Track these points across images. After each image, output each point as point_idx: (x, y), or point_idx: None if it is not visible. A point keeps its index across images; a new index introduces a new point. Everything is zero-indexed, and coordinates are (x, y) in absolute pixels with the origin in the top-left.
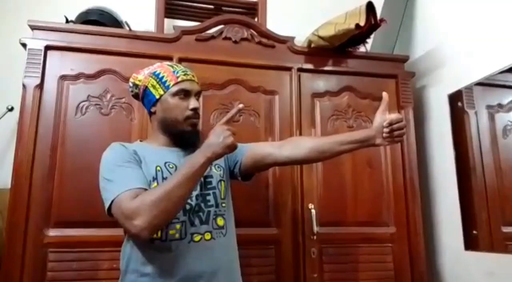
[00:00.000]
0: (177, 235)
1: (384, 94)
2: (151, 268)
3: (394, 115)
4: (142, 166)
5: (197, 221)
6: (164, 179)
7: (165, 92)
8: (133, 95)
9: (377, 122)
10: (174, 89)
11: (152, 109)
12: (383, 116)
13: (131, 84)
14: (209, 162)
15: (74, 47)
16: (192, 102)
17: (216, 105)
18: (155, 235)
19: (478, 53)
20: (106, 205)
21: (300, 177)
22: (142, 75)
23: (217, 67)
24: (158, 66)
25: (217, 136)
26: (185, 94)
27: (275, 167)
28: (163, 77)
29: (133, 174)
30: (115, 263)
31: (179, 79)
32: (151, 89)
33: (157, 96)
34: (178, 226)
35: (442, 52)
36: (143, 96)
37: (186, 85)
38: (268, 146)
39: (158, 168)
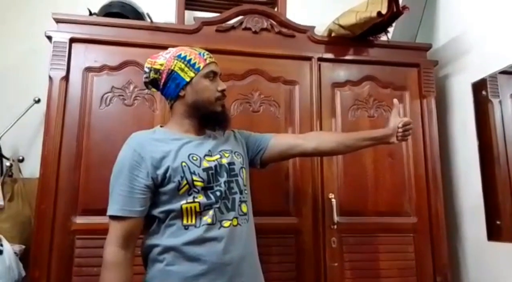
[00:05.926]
0: (209, 220)
1: (395, 100)
2: (181, 255)
3: (406, 119)
4: (165, 163)
5: (225, 207)
6: (192, 173)
7: (195, 74)
8: (147, 82)
9: (392, 123)
10: (204, 71)
11: (181, 93)
12: (396, 119)
13: (147, 70)
14: None
15: (97, 39)
16: (221, 84)
17: (236, 95)
18: (189, 221)
19: (503, 41)
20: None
21: (321, 167)
22: (163, 59)
23: (237, 58)
24: (181, 49)
25: None
26: (213, 76)
27: (297, 157)
28: (190, 59)
29: (128, 195)
30: (138, 250)
31: (207, 61)
32: (179, 72)
33: (187, 79)
34: (211, 211)
35: (466, 40)
36: (167, 80)
37: (213, 67)
38: (293, 137)
39: (184, 164)
